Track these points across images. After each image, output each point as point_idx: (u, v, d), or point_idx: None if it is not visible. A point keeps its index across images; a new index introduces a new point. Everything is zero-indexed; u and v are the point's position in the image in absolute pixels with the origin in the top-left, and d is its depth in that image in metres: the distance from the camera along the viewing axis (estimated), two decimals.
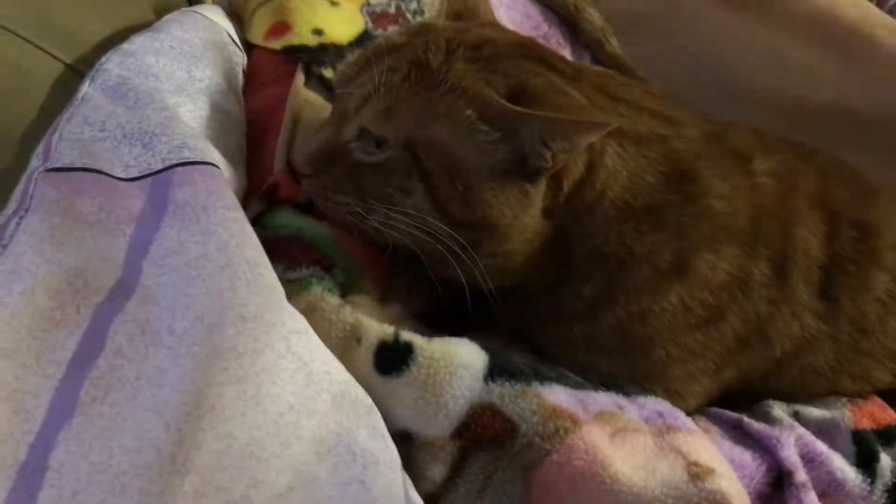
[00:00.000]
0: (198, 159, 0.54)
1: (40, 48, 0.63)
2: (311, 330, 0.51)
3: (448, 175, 0.60)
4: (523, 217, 0.62)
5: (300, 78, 0.77)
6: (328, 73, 0.78)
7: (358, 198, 0.62)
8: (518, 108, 0.58)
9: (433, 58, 0.61)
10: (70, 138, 0.54)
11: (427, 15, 0.95)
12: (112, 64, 0.62)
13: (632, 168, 0.64)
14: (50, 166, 0.51)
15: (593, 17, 1.07)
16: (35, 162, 0.53)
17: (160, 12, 0.86)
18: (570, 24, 1.09)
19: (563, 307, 0.66)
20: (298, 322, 0.50)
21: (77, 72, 0.65)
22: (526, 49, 0.66)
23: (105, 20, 0.73)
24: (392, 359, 0.55)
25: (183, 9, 0.79)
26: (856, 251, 0.69)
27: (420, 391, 0.54)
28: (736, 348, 0.68)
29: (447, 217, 0.61)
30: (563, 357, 0.66)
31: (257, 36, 0.82)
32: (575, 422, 0.55)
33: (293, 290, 0.56)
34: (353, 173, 0.62)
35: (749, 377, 0.70)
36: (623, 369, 0.67)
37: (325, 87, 0.80)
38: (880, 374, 0.73)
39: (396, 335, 0.56)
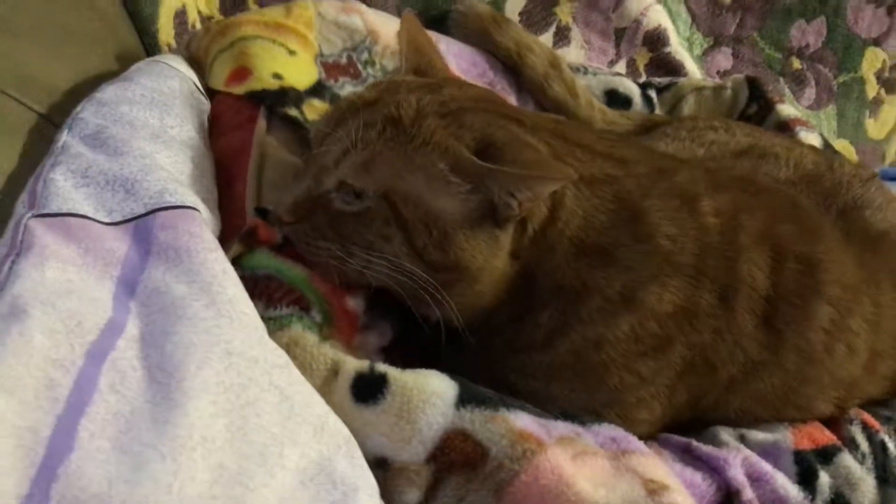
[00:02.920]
0: (178, 203, 0.57)
1: (15, 99, 0.64)
2: (291, 364, 0.53)
3: (424, 223, 0.64)
4: (493, 260, 0.67)
5: (262, 122, 0.80)
6: (293, 111, 0.82)
7: (340, 244, 0.66)
8: (486, 164, 0.63)
9: (405, 114, 0.66)
10: (55, 185, 0.56)
11: (378, 66, 0.99)
12: (88, 113, 0.64)
13: (586, 208, 0.69)
14: (37, 212, 0.53)
15: (536, 63, 1.12)
16: (21, 209, 0.54)
17: (122, 60, 0.89)
18: (514, 71, 1.14)
19: (523, 336, 0.70)
20: (280, 357, 0.53)
21: (51, 121, 0.67)
22: (488, 103, 0.71)
23: (73, 70, 0.75)
24: (368, 388, 0.59)
25: (148, 59, 0.82)
26: (800, 284, 0.73)
27: (395, 418, 0.58)
28: (684, 375, 0.72)
29: (423, 261, 0.65)
30: (524, 388, 0.70)
31: (219, 82, 0.85)
32: (540, 444, 0.59)
33: (274, 327, 0.59)
34: (334, 221, 0.66)
35: (699, 405, 0.74)
36: (581, 396, 0.71)
37: (290, 127, 0.83)
38: (823, 405, 0.77)
39: (372, 367, 0.60)
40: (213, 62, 0.87)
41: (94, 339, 0.47)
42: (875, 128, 1.53)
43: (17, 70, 0.66)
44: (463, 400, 0.60)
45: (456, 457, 0.57)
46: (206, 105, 0.82)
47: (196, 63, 0.90)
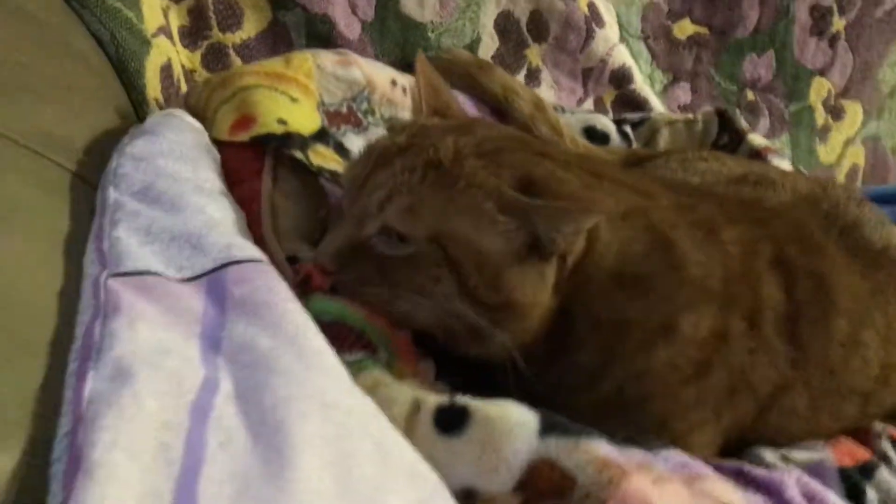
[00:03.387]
0: (246, 257, 0.55)
1: (47, 158, 0.62)
2: (380, 412, 0.52)
3: (475, 263, 0.65)
4: (541, 296, 0.67)
5: (268, 172, 0.80)
6: (300, 155, 0.81)
7: (386, 287, 0.66)
8: (532, 201, 0.64)
9: (444, 157, 0.66)
10: (121, 244, 0.54)
11: (378, 114, 1.00)
12: (128, 169, 0.62)
13: (621, 240, 0.70)
14: (113, 272, 0.51)
15: (522, 105, 1.14)
16: (92, 268, 0.52)
17: (120, 116, 0.87)
18: (501, 114, 1.16)
19: (565, 378, 0.70)
20: (369, 405, 0.51)
21: (81, 178, 0.65)
22: (519, 141, 0.73)
23: (87, 126, 0.73)
24: (451, 419, 0.58)
25: (162, 112, 0.80)
26: (815, 299, 0.76)
27: (480, 448, 0.57)
28: (727, 398, 0.73)
29: (475, 301, 0.65)
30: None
31: (222, 132, 0.84)
32: (623, 472, 0.58)
33: (353, 371, 0.57)
34: (380, 266, 0.66)
35: (742, 425, 0.75)
36: (629, 429, 0.71)
37: (295, 175, 0.82)
38: (849, 407, 0.79)
39: (453, 400, 0.59)
40: (216, 114, 0.86)
41: (194, 398, 0.45)
42: (825, 153, 1.60)
43: (40, 129, 0.64)
44: (545, 429, 0.59)
45: (544, 486, 0.57)
46: (219, 157, 0.80)
47: (197, 116, 0.89)
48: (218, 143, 0.84)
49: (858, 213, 0.91)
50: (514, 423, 0.58)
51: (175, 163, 0.65)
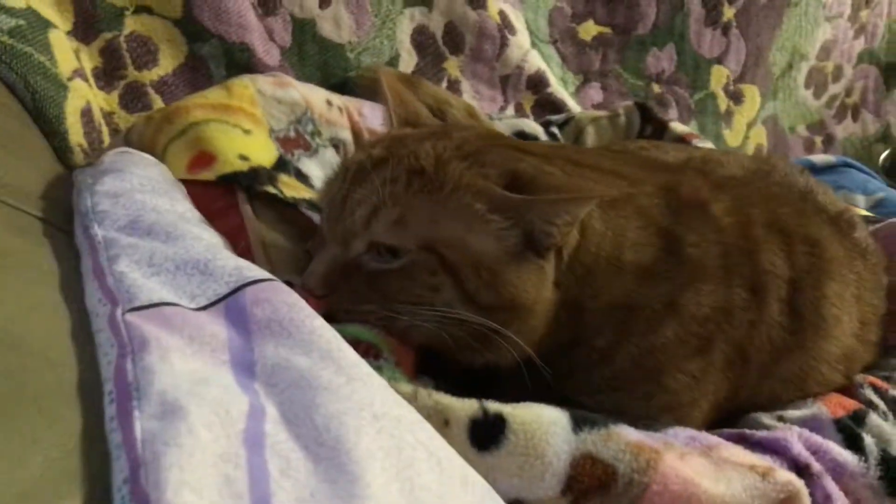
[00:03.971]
0: (259, 277, 0.52)
1: (11, 205, 0.57)
2: (423, 419, 0.50)
3: (472, 266, 0.63)
4: (543, 291, 0.66)
5: (247, 206, 0.76)
6: (272, 189, 0.78)
7: (382, 304, 0.64)
8: (523, 197, 0.63)
9: (426, 163, 0.65)
10: (128, 278, 0.49)
11: (325, 135, 0.97)
12: (107, 206, 0.58)
13: (615, 228, 0.70)
14: (129, 307, 0.47)
15: (456, 115, 1.14)
16: (101, 307, 0.47)
17: (33, 163, 0.81)
18: None
19: (581, 359, 0.70)
20: (414, 413, 0.49)
21: (49, 223, 0.60)
22: (496, 139, 0.72)
23: (39, 173, 0.68)
24: (488, 433, 0.56)
25: (116, 150, 0.75)
26: (810, 264, 0.78)
27: (523, 457, 0.56)
28: (725, 370, 0.74)
29: (477, 305, 0.64)
30: (590, 404, 0.69)
31: (179, 171, 0.79)
32: (657, 452, 0.58)
33: None
34: (372, 283, 0.64)
35: (738, 396, 0.76)
36: (641, 403, 0.71)
37: (270, 207, 0.79)
38: (836, 376, 0.81)
39: (484, 409, 0.57)
40: (166, 152, 0.81)
41: (244, 426, 0.41)
42: (731, 136, 1.67)
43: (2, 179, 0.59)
44: (578, 423, 0.58)
45: (590, 482, 0.56)
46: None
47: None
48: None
49: (806, 181, 0.94)
50: (549, 423, 0.57)
51: (152, 197, 0.61)
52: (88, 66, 1.05)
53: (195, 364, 0.44)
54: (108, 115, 1.06)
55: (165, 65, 1.10)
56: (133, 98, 1.08)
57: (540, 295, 0.66)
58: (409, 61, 1.30)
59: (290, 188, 0.80)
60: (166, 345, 0.44)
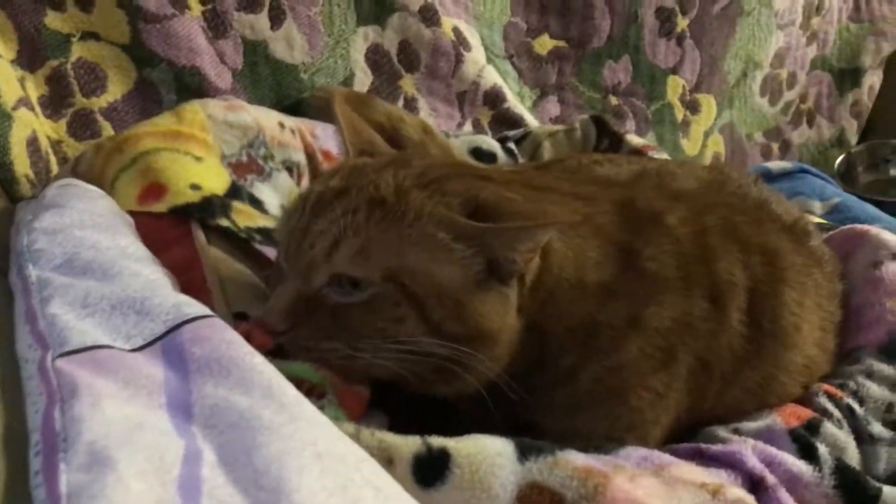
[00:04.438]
0: (198, 314, 0.51)
1: None
2: (369, 456, 0.49)
3: (437, 296, 0.63)
4: (507, 319, 0.66)
5: (201, 236, 0.75)
6: (225, 222, 0.77)
7: (345, 339, 0.63)
8: (487, 225, 0.63)
9: (387, 192, 0.64)
10: (60, 321, 0.48)
11: (277, 158, 0.96)
12: (43, 244, 0.57)
13: (575, 249, 0.70)
14: (60, 352, 0.45)
15: (410, 132, 1.14)
16: (31, 353, 0.46)
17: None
18: (391, 144, 1.15)
19: (542, 383, 0.70)
20: (358, 450, 0.48)
21: None
22: (458, 166, 0.72)
23: None
24: (432, 469, 0.55)
25: (59, 182, 0.73)
26: (767, 273, 0.78)
27: (469, 491, 0.55)
28: (688, 381, 0.74)
29: (443, 335, 0.63)
30: (550, 426, 0.69)
31: (129, 202, 0.78)
32: (605, 476, 0.58)
33: None
34: (335, 317, 0.63)
35: (701, 407, 0.77)
36: (604, 423, 0.71)
37: (224, 238, 0.78)
38: (794, 389, 0.82)
39: (428, 445, 0.56)
40: (116, 182, 0.80)
41: (179, 472, 0.41)
42: (689, 146, 1.69)
43: None
44: (523, 452, 0.58)
45: None
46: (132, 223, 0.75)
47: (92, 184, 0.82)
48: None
49: (759, 191, 0.95)
50: (494, 454, 0.57)
51: (92, 232, 0.60)
52: (34, 94, 1.04)
53: (130, 409, 0.43)
54: (56, 144, 1.05)
55: (114, 91, 1.09)
56: (82, 126, 1.07)
57: (504, 322, 0.66)
58: (364, 80, 1.30)
59: (244, 216, 0.79)
60: (98, 391, 0.43)
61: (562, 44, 1.53)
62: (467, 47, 1.38)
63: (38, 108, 1.03)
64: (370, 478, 0.46)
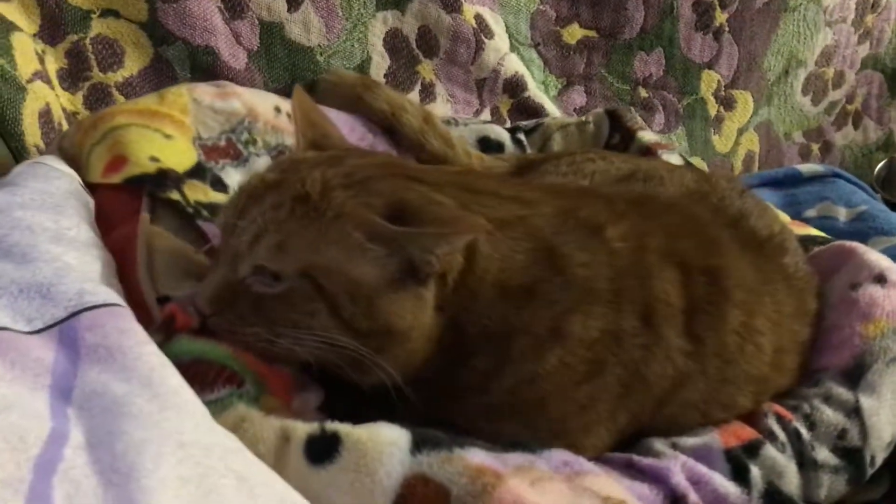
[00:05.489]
0: (100, 302, 0.55)
1: None
2: (243, 447, 0.52)
3: (348, 293, 0.65)
4: (421, 317, 0.68)
5: (146, 212, 0.79)
6: (174, 195, 0.80)
7: (266, 327, 0.66)
8: (401, 228, 0.65)
9: (312, 190, 0.66)
10: None
11: (260, 143, 0.99)
12: None
13: (502, 251, 0.71)
14: None
15: (411, 121, 1.16)
16: None
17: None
18: (391, 131, 1.17)
19: (460, 382, 0.71)
20: (231, 440, 0.52)
21: None
22: (392, 167, 0.73)
23: None
24: (322, 448, 0.59)
25: (29, 161, 0.79)
26: (709, 293, 0.78)
27: (354, 474, 0.58)
28: (622, 395, 0.75)
29: (353, 330, 0.66)
30: (472, 429, 0.71)
31: (96, 175, 0.83)
32: (498, 476, 0.60)
33: (216, 410, 0.58)
34: (257, 306, 0.66)
35: (640, 420, 0.77)
36: (525, 431, 0.72)
37: (174, 212, 0.82)
38: (743, 399, 0.81)
39: (322, 427, 0.59)
40: (89, 156, 0.85)
41: (38, 452, 0.44)
42: (720, 143, 1.65)
43: None
44: (417, 445, 0.61)
45: (420, 502, 0.58)
46: (92, 202, 0.79)
47: (72, 160, 0.88)
48: (93, 188, 0.84)
49: (742, 204, 0.94)
50: (385, 443, 0.59)
51: (36, 213, 0.65)
52: (53, 67, 1.09)
53: (6, 390, 0.47)
54: (72, 116, 1.10)
55: (130, 67, 1.14)
56: (97, 99, 1.12)
57: (417, 321, 0.68)
58: (381, 64, 1.31)
59: (197, 192, 0.83)
60: None
61: (592, 33, 1.51)
62: (489, 34, 1.38)
63: (55, 81, 1.09)
64: (237, 468, 0.49)
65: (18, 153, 0.99)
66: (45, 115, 1.02)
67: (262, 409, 0.63)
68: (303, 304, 0.65)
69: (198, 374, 0.61)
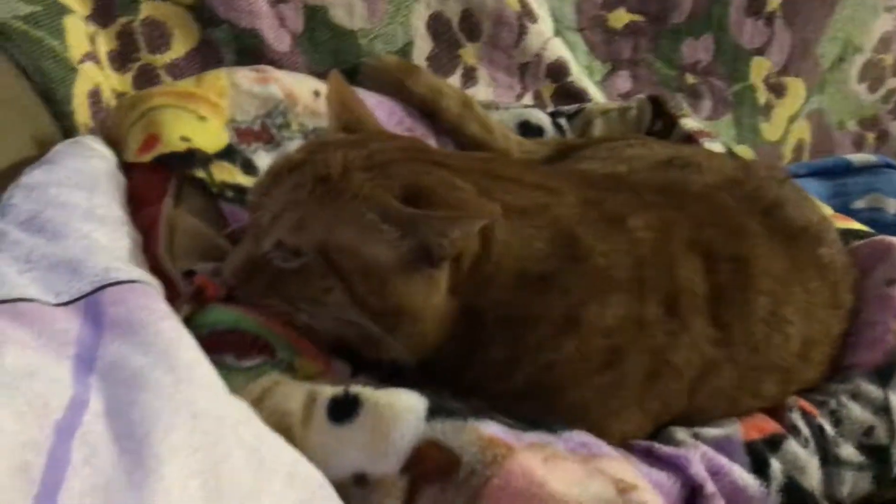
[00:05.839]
0: (125, 278, 0.58)
1: None
2: (254, 417, 0.54)
3: (361, 272, 0.67)
4: (433, 299, 0.69)
5: (171, 192, 0.82)
6: (200, 174, 0.83)
7: (284, 300, 0.69)
8: (413, 210, 0.66)
9: (333, 171, 0.68)
10: None
11: (294, 127, 1.01)
12: (18, 199, 0.65)
13: (522, 238, 0.72)
14: None
15: (450, 105, 1.16)
16: None
17: (41, 146, 0.89)
18: (430, 116, 1.18)
19: (478, 370, 0.73)
20: (243, 412, 0.54)
21: None
22: (415, 151, 0.74)
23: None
24: (343, 409, 0.61)
25: (69, 140, 0.82)
26: (735, 281, 0.78)
27: (370, 434, 0.60)
28: (649, 382, 0.75)
29: (365, 308, 0.68)
30: (493, 407, 0.72)
31: (131, 154, 0.86)
32: (510, 449, 0.61)
33: (250, 377, 0.61)
34: (276, 280, 0.69)
35: (673, 408, 0.78)
36: (548, 414, 0.73)
37: (201, 193, 0.85)
38: (770, 386, 0.81)
39: (346, 390, 0.62)
40: (127, 136, 0.88)
41: (61, 416, 0.47)
42: (770, 131, 1.62)
43: None
44: (433, 412, 0.62)
45: (430, 466, 0.60)
46: (125, 182, 0.82)
47: (113, 140, 0.91)
48: (129, 167, 0.87)
49: (780, 192, 0.93)
50: (401, 408, 0.61)
51: (70, 191, 0.68)
52: (104, 49, 1.13)
53: (32, 358, 0.50)
54: (121, 96, 1.14)
55: (178, 48, 1.17)
56: (146, 80, 1.15)
57: (428, 302, 0.69)
58: (423, 48, 1.32)
59: (224, 173, 0.85)
60: (5, 339, 0.50)
61: (639, 18, 1.49)
62: (533, 18, 1.37)
63: (105, 62, 1.12)
64: (247, 439, 0.52)
65: (69, 132, 1.02)
66: (95, 96, 1.06)
67: (298, 371, 0.66)
68: (318, 281, 0.67)
69: (235, 343, 0.65)
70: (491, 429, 0.63)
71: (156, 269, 0.75)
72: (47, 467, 0.44)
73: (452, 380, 0.74)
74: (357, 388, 0.63)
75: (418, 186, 0.68)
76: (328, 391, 0.63)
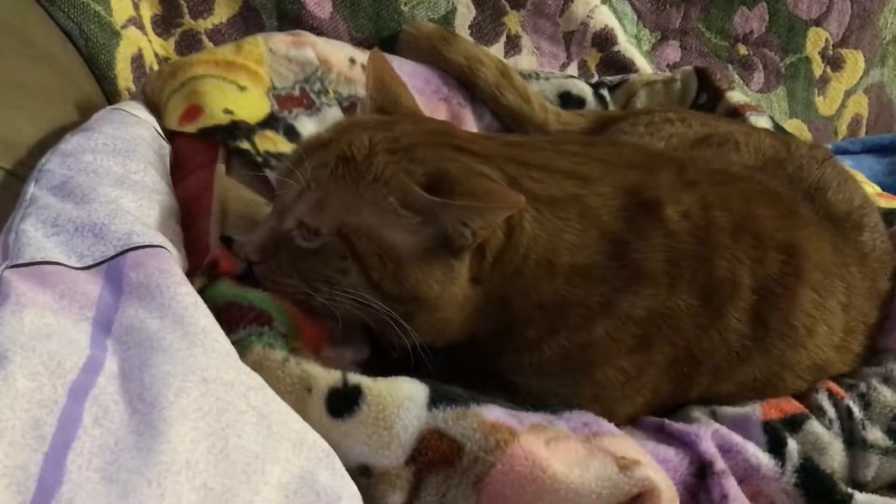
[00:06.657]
0: (146, 243, 0.60)
1: None
2: (266, 385, 0.56)
3: (379, 256, 0.67)
4: (451, 288, 0.69)
5: (222, 163, 0.83)
6: (245, 145, 0.84)
7: (302, 279, 0.69)
8: (435, 198, 0.65)
9: (357, 152, 0.68)
10: (26, 236, 0.58)
11: (331, 94, 1.02)
12: (53, 164, 0.67)
13: (550, 230, 0.70)
14: (11, 263, 0.55)
15: (487, 74, 1.16)
16: None
17: (84, 110, 0.91)
18: (467, 85, 1.17)
19: (511, 345, 0.73)
20: (254, 379, 0.55)
21: (17, 176, 0.70)
22: (442, 135, 0.73)
23: (36, 126, 0.78)
24: (343, 402, 0.61)
25: (109, 107, 0.84)
26: (783, 272, 0.76)
27: (372, 427, 0.60)
28: (669, 370, 0.75)
29: (381, 293, 0.67)
30: (519, 383, 0.73)
31: (172, 122, 0.88)
32: (512, 433, 0.61)
33: (238, 350, 0.61)
34: (296, 258, 0.69)
35: (687, 395, 0.77)
36: (568, 391, 0.73)
37: (247, 165, 0.86)
38: (800, 385, 0.80)
39: (345, 379, 0.62)
40: (167, 103, 0.90)
41: (75, 377, 0.49)
42: (825, 105, 1.57)
43: None
44: (434, 400, 0.62)
45: (433, 455, 0.60)
46: (167, 148, 0.85)
47: (152, 106, 0.93)
48: (171, 134, 0.89)
49: (821, 174, 0.90)
50: (403, 398, 0.61)
51: (105, 158, 0.70)
52: (148, 14, 1.15)
53: (51, 320, 0.52)
54: (163, 61, 1.16)
55: (220, 14, 1.18)
56: (188, 45, 1.17)
57: (446, 291, 0.68)
58: (466, 15, 1.31)
59: (268, 142, 0.86)
60: (27, 300, 0.52)
61: None
62: None
63: (149, 27, 1.15)
64: (256, 404, 0.53)
65: (111, 96, 1.05)
66: (138, 60, 1.08)
67: (288, 351, 0.65)
68: (336, 262, 0.67)
69: (226, 316, 0.64)
70: (494, 413, 0.63)
71: (199, 240, 0.76)
72: (59, 426, 0.46)
73: (483, 353, 0.74)
74: (357, 377, 0.63)
75: (442, 172, 0.67)
76: (325, 381, 0.62)
